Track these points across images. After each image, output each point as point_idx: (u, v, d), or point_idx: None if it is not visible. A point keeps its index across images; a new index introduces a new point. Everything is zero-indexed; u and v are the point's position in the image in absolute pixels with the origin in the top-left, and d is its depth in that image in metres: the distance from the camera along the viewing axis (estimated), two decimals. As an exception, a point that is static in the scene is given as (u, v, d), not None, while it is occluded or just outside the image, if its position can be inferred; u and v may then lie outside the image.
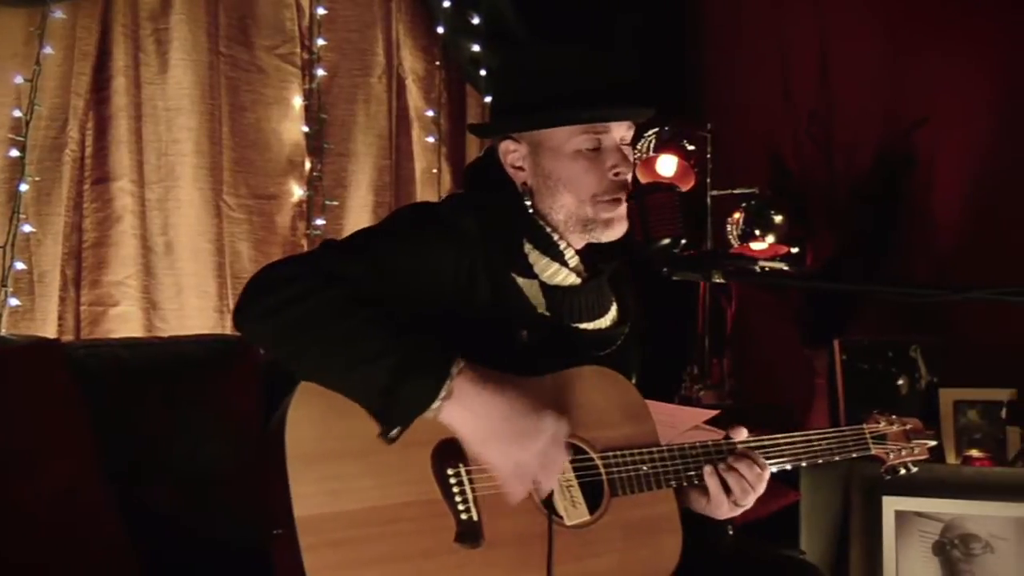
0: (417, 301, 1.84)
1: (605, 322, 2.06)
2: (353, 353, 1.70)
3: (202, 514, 2.51)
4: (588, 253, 2.03)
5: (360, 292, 1.77)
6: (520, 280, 1.97)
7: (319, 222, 3.94)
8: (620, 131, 1.99)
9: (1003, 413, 3.59)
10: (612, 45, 2.04)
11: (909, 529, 3.27)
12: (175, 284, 3.69)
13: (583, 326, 2.02)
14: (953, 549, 3.22)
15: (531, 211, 1.99)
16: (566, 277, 2.00)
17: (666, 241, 1.97)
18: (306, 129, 3.96)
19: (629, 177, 1.99)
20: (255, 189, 3.87)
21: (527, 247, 1.98)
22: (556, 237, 1.99)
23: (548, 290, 1.98)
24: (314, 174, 3.97)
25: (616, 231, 2.00)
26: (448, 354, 1.73)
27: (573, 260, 2.00)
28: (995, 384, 3.68)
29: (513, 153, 2.01)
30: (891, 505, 3.29)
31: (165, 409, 2.60)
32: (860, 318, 4.16)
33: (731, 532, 2.27)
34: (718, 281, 1.95)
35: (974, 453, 3.53)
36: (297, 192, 3.96)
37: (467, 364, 1.73)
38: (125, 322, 3.55)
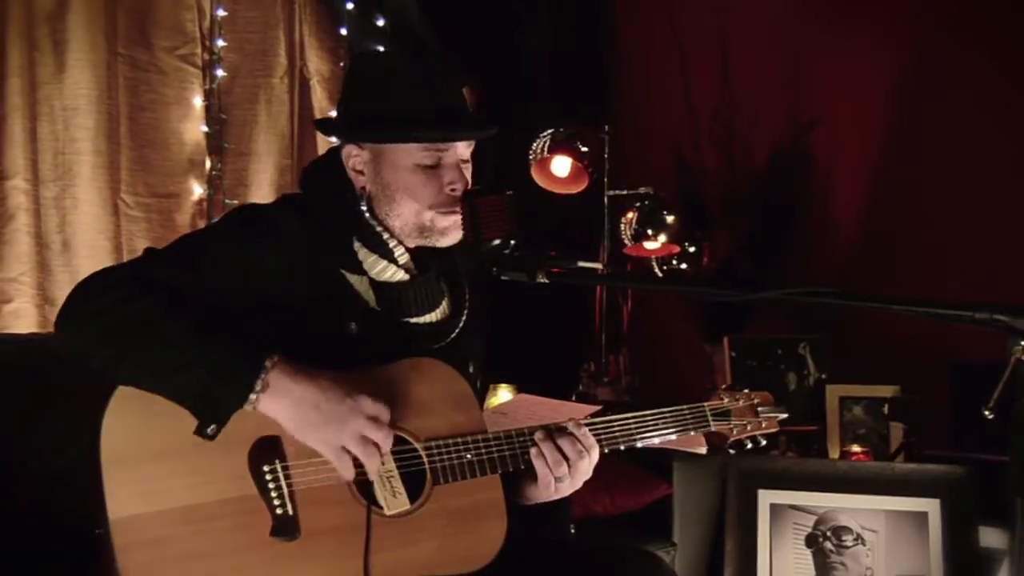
0: (241, 299, 1.90)
1: (436, 315, 2.11)
2: (168, 359, 1.77)
3: (67, 510, 2.53)
4: (418, 250, 2.09)
5: (178, 297, 1.83)
6: (349, 276, 2.03)
7: (220, 220, 3.97)
8: (460, 148, 2.06)
9: (885, 409, 3.68)
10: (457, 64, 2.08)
11: (784, 522, 3.34)
12: (72, 281, 3.62)
13: (413, 320, 2.07)
14: (825, 541, 3.30)
15: (366, 215, 2.05)
16: (395, 273, 2.05)
17: (496, 242, 2.00)
18: (206, 129, 4.00)
19: (463, 190, 2.04)
20: (154, 188, 3.92)
21: (356, 244, 2.04)
22: (387, 236, 2.04)
23: (377, 286, 2.04)
24: (214, 173, 4.02)
25: (451, 238, 2.06)
26: (262, 350, 1.80)
27: (403, 258, 2.06)
28: (880, 382, 3.78)
29: (356, 157, 2.07)
30: (766, 498, 3.36)
31: (35, 405, 2.63)
32: (760, 315, 4.25)
33: (572, 531, 2.32)
34: (542, 281, 1.99)
35: (854, 448, 3.62)
36: (197, 191, 4.00)
37: (281, 358, 1.80)
38: (19, 318, 3.59)
